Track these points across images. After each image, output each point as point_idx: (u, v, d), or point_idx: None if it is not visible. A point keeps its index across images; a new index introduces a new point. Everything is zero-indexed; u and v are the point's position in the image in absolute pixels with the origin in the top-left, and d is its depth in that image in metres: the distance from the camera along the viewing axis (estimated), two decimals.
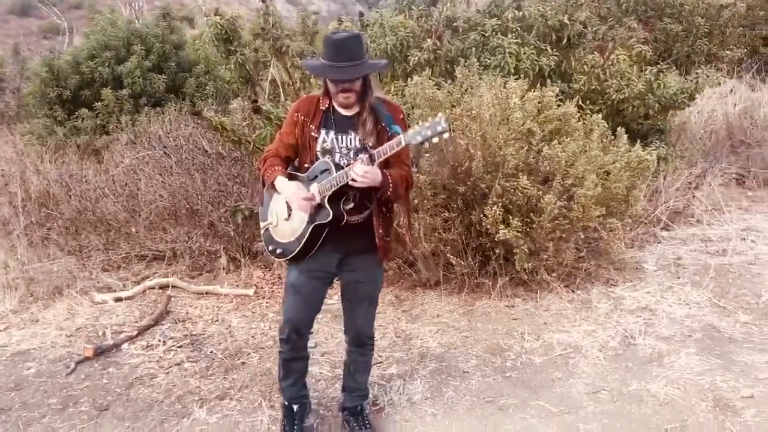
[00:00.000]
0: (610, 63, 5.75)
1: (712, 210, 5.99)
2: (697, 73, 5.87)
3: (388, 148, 2.55)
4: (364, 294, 2.91)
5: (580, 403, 3.22)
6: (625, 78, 5.67)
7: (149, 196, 5.76)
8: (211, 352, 3.95)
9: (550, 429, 3.03)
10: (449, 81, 5.10)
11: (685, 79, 5.93)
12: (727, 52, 9.17)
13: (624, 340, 3.83)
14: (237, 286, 4.94)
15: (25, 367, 3.84)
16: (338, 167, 2.64)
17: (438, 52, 5.58)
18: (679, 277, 4.69)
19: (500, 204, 4.16)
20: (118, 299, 4.76)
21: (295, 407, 3.01)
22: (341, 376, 3.21)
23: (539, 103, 4.65)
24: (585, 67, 5.75)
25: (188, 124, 6.87)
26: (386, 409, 3.25)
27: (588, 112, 5.28)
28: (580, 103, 5.43)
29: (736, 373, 3.41)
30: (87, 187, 6.00)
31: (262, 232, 2.94)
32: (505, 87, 4.66)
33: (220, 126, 5.24)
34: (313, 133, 2.73)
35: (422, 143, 2.55)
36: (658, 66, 6.00)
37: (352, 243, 2.76)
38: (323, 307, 3.03)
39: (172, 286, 4.93)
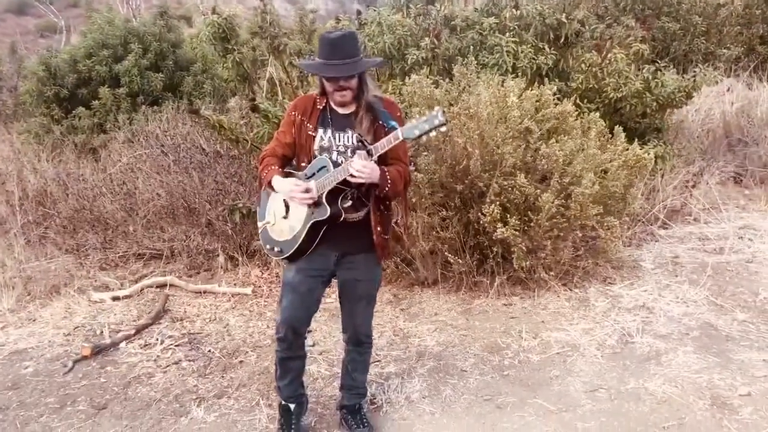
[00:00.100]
0: (607, 61, 5.76)
1: (709, 208, 6.00)
2: (694, 72, 5.87)
3: (386, 143, 2.56)
4: (362, 293, 2.91)
5: (578, 401, 3.22)
6: (622, 76, 5.67)
7: (147, 195, 5.75)
8: (209, 350, 3.95)
9: (548, 427, 3.04)
10: (447, 79, 5.10)
11: (683, 77, 5.92)
12: (725, 50, 9.20)
13: (622, 338, 3.84)
14: (235, 284, 4.94)
15: (23, 366, 3.84)
16: (336, 165, 2.64)
17: (436, 50, 5.58)
18: (676, 276, 4.69)
19: (498, 202, 4.16)
20: (116, 298, 4.75)
21: (292, 406, 3.01)
22: (339, 375, 3.21)
23: (537, 101, 4.65)
24: (583, 65, 5.75)
25: (186, 122, 6.86)
26: (384, 407, 3.26)
27: (586, 110, 5.29)
28: (577, 101, 5.44)
29: (734, 371, 3.42)
30: (84, 186, 5.99)
31: (259, 231, 2.94)
32: (502, 85, 4.66)
33: (217, 124, 5.23)
34: (310, 132, 2.74)
35: (420, 137, 2.55)
36: (656, 64, 6.01)
37: (350, 241, 2.76)
38: (321, 306, 3.03)
39: (170, 285, 4.93)
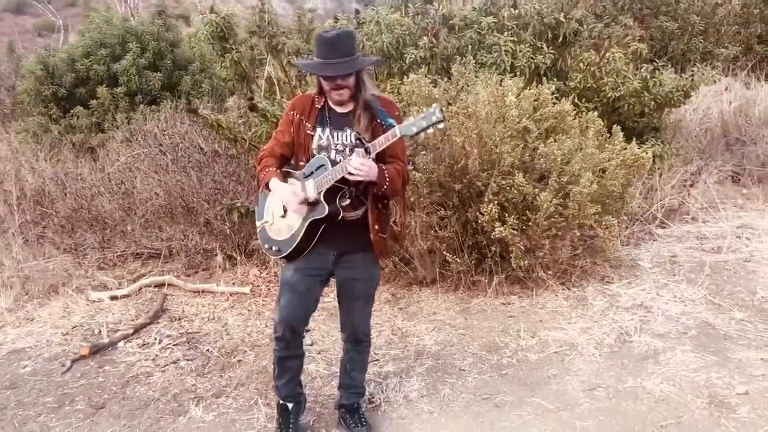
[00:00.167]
0: (605, 61, 5.76)
1: (707, 207, 6.01)
2: (692, 71, 5.87)
3: (383, 140, 2.56)
4: (360, 292, 2.91)
5: (576, 400, 3.23)
6: (620, 76, 5.68)
7: (145, 194, 5.75)
8: (207, 350, 3.95)
9: (547, 426, 3.04)
10: (445, 79, 5.10)
11: (681, 76, 5.93)
12: (722, 50, 9.21)
13: (619, 337, 3.84)
14: (233, 284, 4.94)
15: (21, 365, 3.84)
16: (334, 163, 2.64)
17: (434, 50, 5.58)
18: (674, 275, 4.70)
19: (496, 202, 4.17)
20: (114, 297, 4.75)
21: (290, 405, 3.01)
22: (337, 374, 3.21)
23: (535, 100, 4.65)
24: (581, 64, 5.75)
25: (184, 121, 6.86)
26: (382, 406, 3.26)
27: (584, 109, 5.29)
28: (575, 100, 5.44)
29: (731, 370, 3.42)
30: (82, 186, 5.99)
31: (258, 231, 2.94)
32: (501, 85, 4.67)
33: (216, 124, 5.23)
34: (308, 131, 2.74)
35: (418, 134, 2.55)
36: (654, 64, 6.01)
37: (348, 240, 2.77)
38: (319, 305, 3.03)
39: (168, 285, 4.93)
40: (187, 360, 3.83)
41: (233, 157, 5.65)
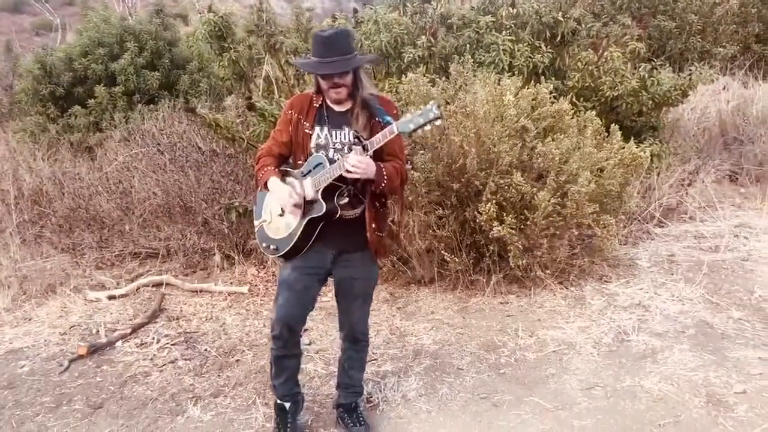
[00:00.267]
0: (603, 60, 5.76)
1: (705, 207, 6.01)
2: (690, 70, 5.88)
3: (381, 137, 2.56)
4: (358, 291, 2.91)
5: (574, 399, 3.23)
6: (618, 75, 5.68)
7: (143, 194, 5.74)
8: (206, 349, 3.95)
9: (544, 425, 3.04)
10: (444, 78, 5.10)
11: (679, 76, 5.93)
12: (720, 49, 9.22)
13: (617, 336, 3.84)
14: (231, 283, 4.94)
15: (18, 365, 3.83)
16: (332, 162, 2.65)
17: (432, 49, 5.58)
18: (672, 274, 4.70)
19: (494, 201, 4.17)
20: (112, 297, 4.75)
21: (287, 405, 3.01)
22: (336, 374, 3.21)
23: (533, 100, 4.65)
24: (579, 64, 5.76)
25: (182, 121, 6.85)
26: (381, 406, 3.26)
27: (582, 109, 5.29)
28: (574, 100, 5.44)
29: (729, 368, 3.42)
30: (80, 185, 5.98)
31: (256, 230, 2.94)
32: (499, 84, 4.67)
33: (214, 123, 5.23)
34: (307, 130, 2.74)
35: (415, 131, 2.55)
36: (652, 63, 6.01)
37: (346, 239, 2.77)
38: (317, 305, 3.03)
39: (166, 284, 4.93)
40: (185, 360, 3.83)
41: (231, 157, 5.65)
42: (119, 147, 6.93)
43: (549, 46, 5.61)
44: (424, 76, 4.84)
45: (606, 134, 4.91)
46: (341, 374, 3.12)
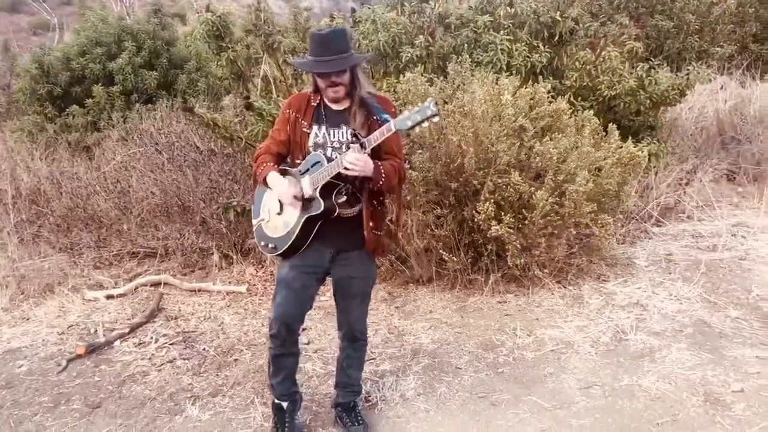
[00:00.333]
0: (601, 59, 5.77)
1: (702, 206, 6.02)
2: (688, 70, 5.89)
3: (379, 135, 2.57)
4: (356, 290, 2.91)
5: (572, 398, 3.23)
6: (616, 74, 5.69)
7: (141, 193, 5.74)
8: (204, 349, 3.95)
9: (543, 424, 3.04)
10: (441, 77, 5.10)
11: (676, 75, 5.94)
12: (718, 48, 9.24)
13: (615, 335, 3.85)
14: (229, 283, 4.94)
15: (17, 365, 3.83)
16: (329, 160, 2.65)
17: (430, 48, 5.58)
18: (670, 273, 4.71)
19: (492, 200, 4.17)
20: (110, 297, 4.75)
21: (284, 404, 3.00)
22: (334, 373, 3.22)
23: (531, 99, 4.66)
24: (577, 63, 5.76)
25: (180, 120, 6.85)
26: (379, 405, 3.26)
27: (580, 108, 5.30)
28: (571, 99, 5.45)
29: (727, 367, 3.43)
30: (78, 185, 5.98)
31: (254, 229, 2.94)
32: (497, 83, 4.67)
33: (212, 122, 5.22)
34: (305, 129, 2.75)
35: (413, 128, 2.55)
36: (650, 62, 6.02)
37: (344, 238, 2.77)
38: (316, 304, 3.03)
39: (164, 284, 4.92)
40: (184, 359, 3.83)
41: (229, 156, 5.65)
42: (117, 146, 6.93)
43: (547, 46, 5.62)
44: (422, 75, 4.84)
45: (604, 134, 4.92)
46: (339, 373, 3.12)
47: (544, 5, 5.78)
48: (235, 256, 5.19)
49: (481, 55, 5.55)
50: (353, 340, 3.03)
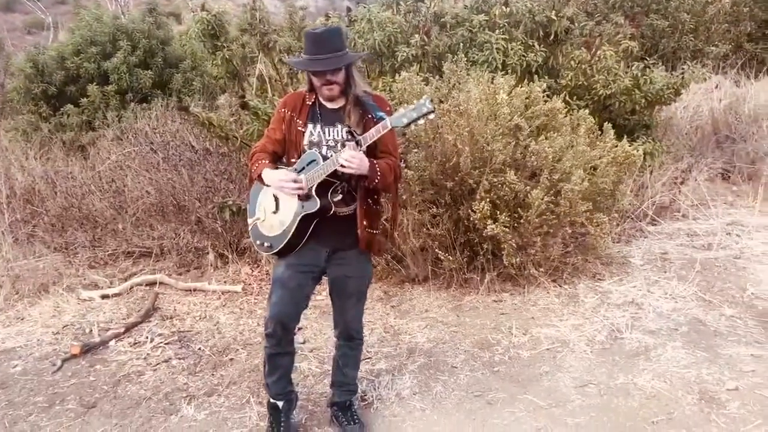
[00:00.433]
0: (597, 59, 5.78)
1: (697, 205, 6.04)
2: (682, 69, 5.90)
3: (374, 132, 2.57)
4: (352, 289, 2.91)
5: (567, 396, 3.24)
6: (611, 73, 5.70)
7: (136, 193, 5.73)
8: (199, 348, 3.94)
9: (538, 423, 3.05)
10: (437, 77, 5.10)
11: (671, 74, 5.96)
12: (713, 48, 9.27)
13: (611, 334, 3.86)
14: (225, 282, 4.93)
15: (11, 365, 3.82)
16: (325, 159, 2.65)
17: (426, 47, 5.58)
18: (665, 272, 4.72)
19: (488, 199, 4.17)
20: (105, 296, 4.73)
21: (280, 404, 3.00)
22: (330, 372, 3.21)
23: (527, 98, 4.66)
24: (572, 62, 5.77)
25: (175, 119, 6.84)
26: (375, 404, 3.26)
27: (575, 107, 5.31)
28: (567, 98, 5.45)
29: (721, 366, 3.44)
30: (73, 184, 5.96)
31: (250, 228, 2.93)
32: (492, 82, 4.68)
33: (207, 122, 5.22)
34: (300, 128, 2.74)
35: (409, 125, 2.56)
36: (645, 62, 6.04)
37: (340, 237, 2.77)
38: (311, 303, 3.03)
39: (160, 283, 4.91)
40: (179, 359, 3.82)
41: (225, 155, 5.64)
42: (112, 146, 6.90)
43: (542, 45, 5.62)
44: (418, 74, 4.84)
45: (599, 133, 4.93)
46: (335, 372, 3.12)
47: (540, 4, 5.78)
48: (230, 256, 5.18)
49: (477, 54, 5.55)
50: (349, 339, 3.03)
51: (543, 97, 4.75)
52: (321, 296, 4.22)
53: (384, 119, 2.56)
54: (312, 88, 2.76)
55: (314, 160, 2.67)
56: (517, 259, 4.31)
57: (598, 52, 5.79)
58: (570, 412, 3.11)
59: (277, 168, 2.80)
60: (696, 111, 8.00)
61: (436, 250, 4.42)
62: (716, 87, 8.68)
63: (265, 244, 2.83)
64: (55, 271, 5.15)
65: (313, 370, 3.62)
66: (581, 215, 4.35)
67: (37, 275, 5.03)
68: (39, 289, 4.84)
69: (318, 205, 2.66)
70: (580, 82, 5.68)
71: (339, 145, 2.69)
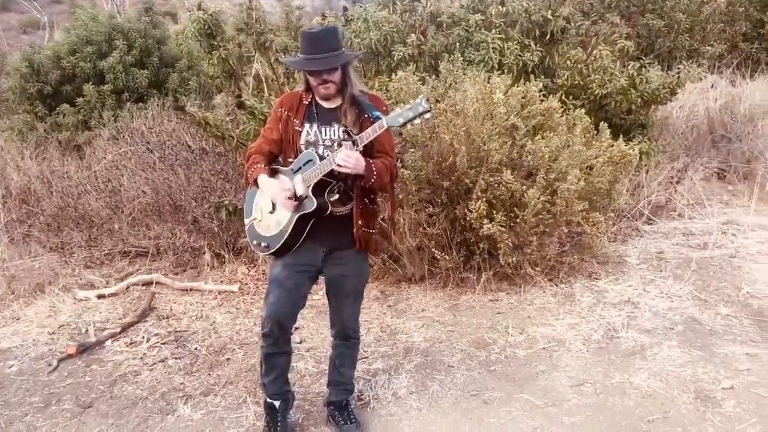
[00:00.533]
0: (593, 58, 5.78)
1: (693, 204, 6.05)
2: (678, 69, 5.91)
3: (371, 132, 2.57)
4: (349, 289, 2.91)
5: (563, 395, 3.24)
6: (607, 73, 5.70)
7: (132, 192, 5.71)
8: (196, 348, 3.94)
9: (535, 422, 3.05)
10: (433, 76, 5.10)
11: (667, 74, 5.97)
12: (708, 47, 9.28)
13: (607, 333, 3.86)
14: (221, 282, 4.92)
15: (7, 365, 3.81)
16: (321, 158, 2.65)
17: (422, 47, 5.59)
18: (661, 271, 4.73)
19: (484, 199, 4.18)
20: (101, 296, 4.73)
21: (276, 403, 3.00)
22: (326, 372, 3.21)
23: (523, 98, 4.67)
24: (568, 62, 5.78)
25: (171, 119, 6.82)
26: (371, 403, 3.26)
27: (571, 107, 5.32)
28: (563, 98, 5.46)
29: (717, 364, 3.45)
30: (69, 184, 5.94)
31: (246, 228, 2.93)
32: (489, 82, 4.68)
33: (203, 121, 5.21)
34: (296, 127, 2.75)
35: (405, 125, 2.56)
36: (641, 61, 6.04)
37: (337, 236, 2.77)
38: (308, 303, 3.03)
39: (156, 283, 4.91)
40: (176, 358, 3.82)
41: (221, 155, 5.63)
42: (108, 145, 6.88)
43: (538, 45, 5.63)
44: (414, 74, 4.84)
45: (595, 132, 4.94)
46: (332, 372, 3.13)
47: (536, 4, 5.79)
48: (227, 255, 5.18)
49: (473, 54, 5.56)
50: (346, 338, 3.03)
51: (539, 96, 4.76)
52: (318, 295, 4.22)
53: (380, 119, 2.56)
54: (309, 88, 2.76)
55: (311, 160, 2.67)
56: (514, 259, 4.31)
57: (594, 52, 5.80)
58: (566, 411, 3.12)
59: (274, 169, 2.80)
60: (692, 110, 8.01)
61: (433, 249, 4.42)
62: (712, 86, 8.69)
63: (262, 244, 2.82)
64: (51, 271, 5.14)
65: (310, 369, 3.62)
66: (577, 215, 4.36)
67: (32, 275, 5.02)
68: (35, 289, 4.82)
69: (315, 205, 2.66)
70: (576, 82, 5.69)
71: (335, 144, 2.69)
